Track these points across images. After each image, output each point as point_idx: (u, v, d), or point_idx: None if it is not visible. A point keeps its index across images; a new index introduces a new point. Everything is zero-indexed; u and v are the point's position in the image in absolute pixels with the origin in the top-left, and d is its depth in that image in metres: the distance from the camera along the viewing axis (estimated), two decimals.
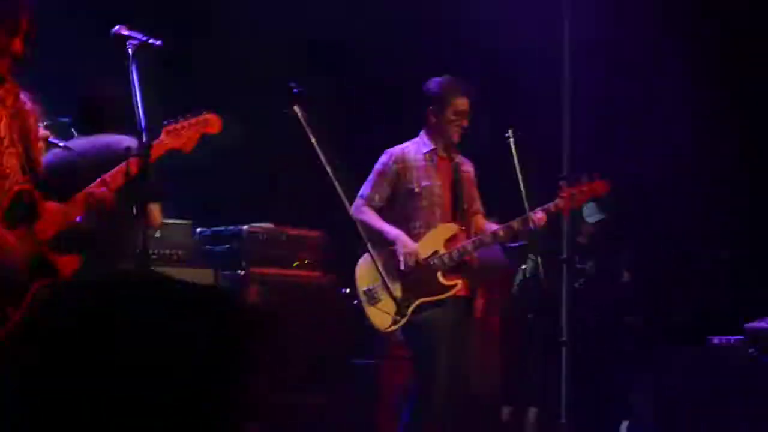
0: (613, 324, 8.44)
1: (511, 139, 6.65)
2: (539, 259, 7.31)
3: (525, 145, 6.64)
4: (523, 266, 8.48)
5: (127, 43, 4.78)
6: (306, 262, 7.75)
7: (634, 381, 7.97)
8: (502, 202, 6.91)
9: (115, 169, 4.91)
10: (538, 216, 6.58)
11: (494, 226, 6.69)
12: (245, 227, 7.64)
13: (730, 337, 6.89)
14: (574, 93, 7.81)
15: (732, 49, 8.41)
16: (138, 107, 4.58)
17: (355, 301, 6.55)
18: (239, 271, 7.42)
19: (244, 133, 7.09)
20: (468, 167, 6.81)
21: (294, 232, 7.80)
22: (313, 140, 5.48)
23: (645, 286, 8.47)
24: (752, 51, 8.37)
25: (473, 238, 6.63)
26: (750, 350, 6.71)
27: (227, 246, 7.64)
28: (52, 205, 4.72)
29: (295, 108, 5.57)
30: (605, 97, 8.60)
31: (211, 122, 5.27)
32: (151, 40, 4.81)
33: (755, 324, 6.79)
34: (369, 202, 6.65)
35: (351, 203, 6.47)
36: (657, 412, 7.48)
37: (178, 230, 7.26)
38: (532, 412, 8.30)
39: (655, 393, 7.52)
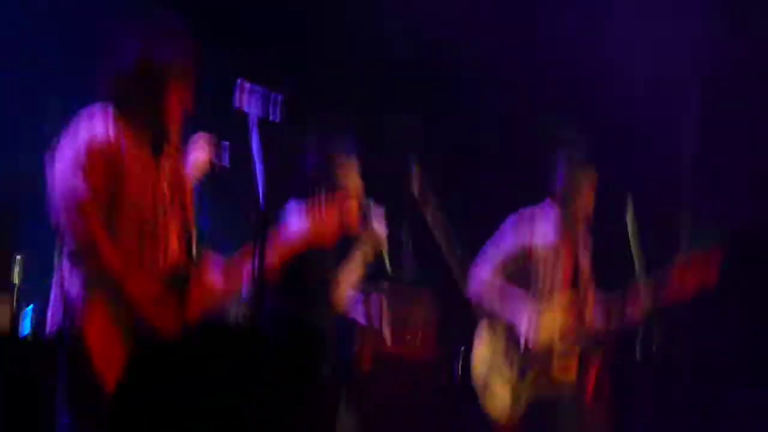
0: None
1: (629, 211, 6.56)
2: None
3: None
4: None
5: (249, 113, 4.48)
6: (419, 336, 7.69)
7: None
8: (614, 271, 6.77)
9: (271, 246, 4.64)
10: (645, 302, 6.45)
11: (604, 310, 6.55)
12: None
13: None
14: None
15: None
16: (259, 183, 4.40)
17: (471, 383, 6.46)
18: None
19: None
20: (587, 238, 6.73)
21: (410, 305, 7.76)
22: (431, 216, 5.44)
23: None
24: None
25: (589, 327, 6.50)
26: None
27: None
28: (208, 281, 4.59)
29: (415, 181, 5.54)
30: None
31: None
32: (272, 117, 4.49)
33: None
34: (494, 272, 6.54)
35: (464, 276, 6.42)
36: None
37: None
38: None
39: None
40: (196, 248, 4.64)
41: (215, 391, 2.22)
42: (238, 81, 4.48)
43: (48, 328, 4.43)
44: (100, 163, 4.40)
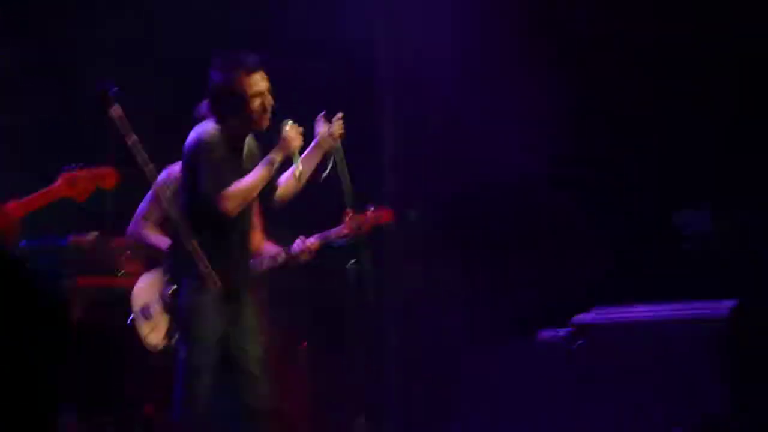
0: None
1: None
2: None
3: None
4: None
5: None
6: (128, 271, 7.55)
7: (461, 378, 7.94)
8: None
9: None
10: (311, 242, 6.53)
11: (274, 249, 6.59)
12: (70, 237, 7.42)
13: (558, 330, 6.92)
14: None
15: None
16: None
17: (129, 320, 6.59)
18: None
19: None
20: None
21: (119, 240, 7.62)
22: (131, 142, 5.35)
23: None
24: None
25: (263, 260, 6.54)
26: (578, 343, 6.75)
27: (51, 258, 7.43)
28: None
29: (113, 109, 5.42)
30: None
31: (108, 177, 5.62)
32: None
33: (583, 317, 6.85)
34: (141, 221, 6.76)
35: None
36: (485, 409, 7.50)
37: None
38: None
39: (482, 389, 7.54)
40: None
41: None
42: None
43: None
44: None
